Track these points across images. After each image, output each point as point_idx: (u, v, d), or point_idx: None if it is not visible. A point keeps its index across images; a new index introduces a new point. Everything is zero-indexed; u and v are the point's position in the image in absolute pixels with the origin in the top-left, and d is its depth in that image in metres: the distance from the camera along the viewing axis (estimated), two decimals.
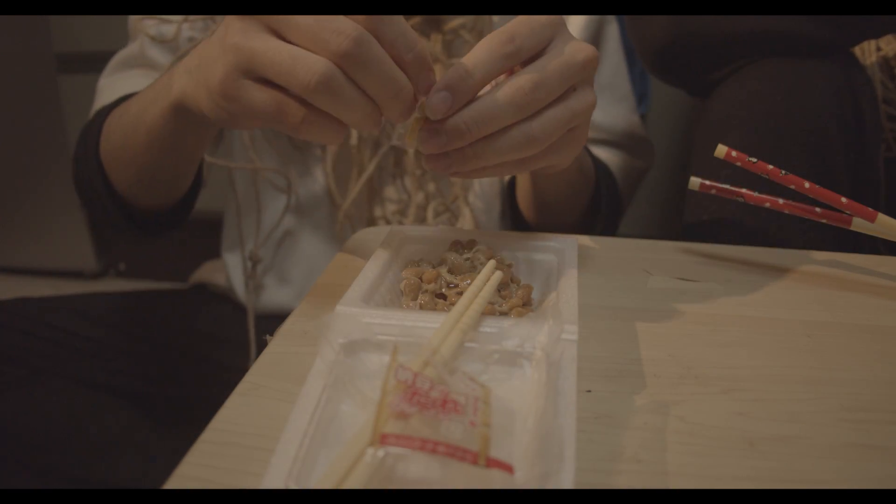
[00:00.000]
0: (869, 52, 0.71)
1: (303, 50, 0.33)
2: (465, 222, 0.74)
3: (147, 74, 0.70)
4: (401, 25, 0.34)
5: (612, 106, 0.76)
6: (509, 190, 0.72)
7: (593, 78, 0.41)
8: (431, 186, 0.73)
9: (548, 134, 0.38)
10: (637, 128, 0.77)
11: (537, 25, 0.38)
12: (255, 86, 0.35)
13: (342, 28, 0.33)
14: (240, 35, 0.35)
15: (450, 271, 0.40)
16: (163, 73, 0.58)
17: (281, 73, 0.34)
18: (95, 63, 0.73)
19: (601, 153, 0.75)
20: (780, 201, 0.47)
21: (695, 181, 0.49)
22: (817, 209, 0.47)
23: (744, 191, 0.48)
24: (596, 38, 0.75)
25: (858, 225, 0.46)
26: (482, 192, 0.75)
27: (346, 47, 0.32)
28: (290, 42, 0.34)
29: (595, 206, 0.68)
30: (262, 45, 0.34)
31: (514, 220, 0.72)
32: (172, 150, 0.53)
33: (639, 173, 0.78)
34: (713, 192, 0.48)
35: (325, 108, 0.34)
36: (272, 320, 0.77)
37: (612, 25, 0.76)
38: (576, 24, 0.72)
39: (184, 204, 0.65)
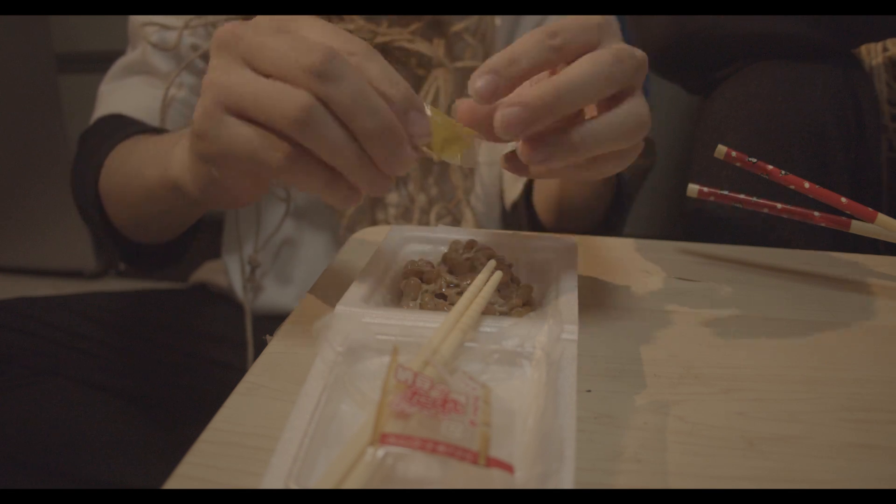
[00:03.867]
0: (875, 52, 0.71)
1: (284, 84, 0.31)
2: (467, 225, 0.74)
3: (149, 82, 0.70)
4: (383, 62, 0.33)
5: None
6: (526, 196, 0.72)
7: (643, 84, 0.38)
8: (434, 190, 0.73)
9: (620, 135, 0.35)
10: None
11: (584, 22, 0.35)
12: (235, 121, 0.33)
13: (313, 46, 0.30)
14: (217, 72, 0.33)
15: (450, 271, 0.40)
16: (172, 131, 0.56)
17: (262, 104, 0.31)
18: (95, 63, 0.72)
19: None
20: (778, 206, 0.47)
21: (693, 188, 0.48)
22: (816, 213, 0.47)
23: (742, 196, 0.48)
24: None
25: (857, 228, 0.46)
26: (484, 195, 0.75)
27: (316, 60, 0.30)
28: (265, 73, 0.32)
29: (614, 210, 0.68)
30: (240, 79, 0.32)
31: (531, 224, 0.72)
32: (167, 213, 0.53)
33: (642, 171, 0.78)
34: (711, 198, 0.48)
35: (308, 143, 0.32)
36: (273, 321, 0.77)
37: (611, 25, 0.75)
38: None
39: (178, 246, 0.66)
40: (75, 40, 1.51)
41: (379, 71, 0.32)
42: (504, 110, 0.33)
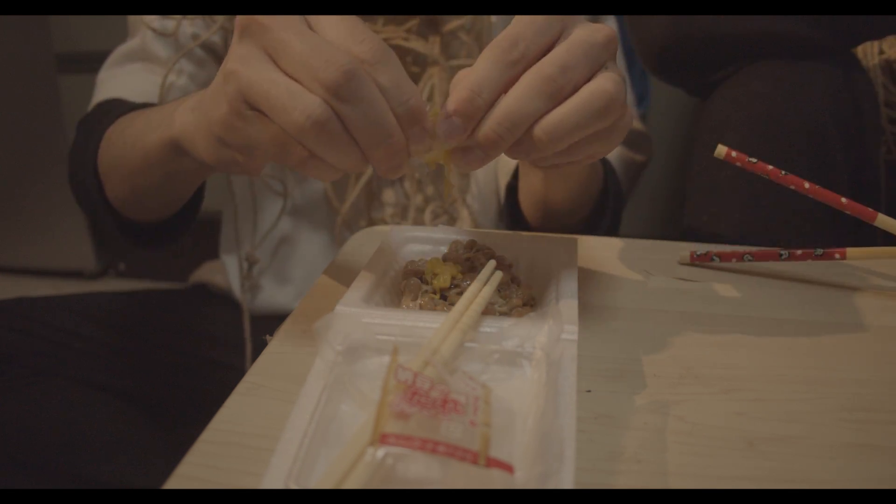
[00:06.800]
0: (872, 54, 0.71)
1: (299, 87, 0.32)
2: (464, 224, 0.74)
3: (148, 68, 0.70)
4: (398, 72, 0.33)
5: None
6: (509, 192, 0.70)
7: (616, 57, 0.38)
8: (430, 189, 0.73)
9: (586, 119, 0.35)
10: (634, 121, 0.76)
11: (543, 24, 0.35)
12: (259, 117, 0.34)
13: (334, 58, 0.31)
14: (239, 62, 0.33)
15: None
16: (174, 100, 0.55)
17: (276, 108, 0.32)
18: (95, 63, 0.72)
19: None
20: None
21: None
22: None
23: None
24: None
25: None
26: (479, 193, 0.75)
27: (336, 78, 0.31)
28: (285, 71, 0.33)
29: (600, 209, 0.66)
30: (259, 76, 0.32)
31: (514, 221, 0.70)
32: (165, 180, 0.52)
33: (638, 167, 0.77)
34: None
35: (313, 149, 0.33)
36: (272, 321, 0.77)
37: (609, 23, 0.75)
38: None
39: (177, 222, 0.65)
40: (75, 40, 1.51)
41: (391, 82, 0.33)
42: (467, 163, 0.36)
